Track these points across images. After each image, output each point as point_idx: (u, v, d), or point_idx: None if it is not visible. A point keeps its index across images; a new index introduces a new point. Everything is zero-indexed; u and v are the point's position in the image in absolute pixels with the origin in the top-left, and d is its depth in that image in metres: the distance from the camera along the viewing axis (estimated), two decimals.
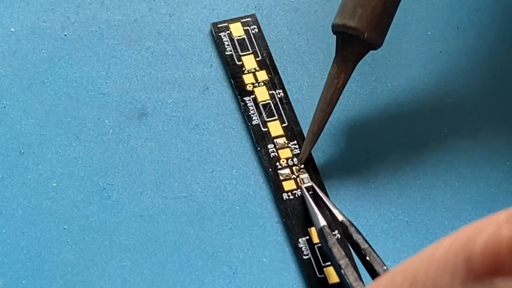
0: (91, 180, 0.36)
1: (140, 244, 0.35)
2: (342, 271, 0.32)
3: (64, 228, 0.35)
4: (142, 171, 0.37)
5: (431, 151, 0.37)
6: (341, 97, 0.36)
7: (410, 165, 0.37)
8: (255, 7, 0.41)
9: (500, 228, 0.19)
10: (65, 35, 0.40)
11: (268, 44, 0.40)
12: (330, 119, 0.36)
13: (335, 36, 0.36)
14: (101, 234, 0.35)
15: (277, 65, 0.39)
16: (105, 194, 0.36)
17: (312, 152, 0.37)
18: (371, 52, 0.36)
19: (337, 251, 0.32)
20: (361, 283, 0.32)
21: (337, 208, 0.34)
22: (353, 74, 0.36)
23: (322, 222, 0.34)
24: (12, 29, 0.40)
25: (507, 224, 0.19)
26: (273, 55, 0.39)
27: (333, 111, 0.36)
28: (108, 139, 0.37)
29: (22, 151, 0.37)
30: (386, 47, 0.40)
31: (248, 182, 0.36)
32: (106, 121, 0.38)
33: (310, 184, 0.36)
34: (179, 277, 0.34)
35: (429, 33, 0.41)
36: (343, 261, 0.32)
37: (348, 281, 0.32)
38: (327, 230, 0.33)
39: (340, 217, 0.34)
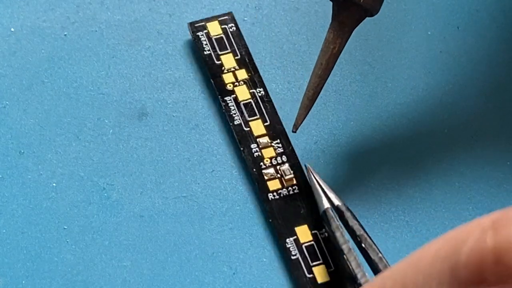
0: (91, 180, 0.36)
1: (140, 244, 0.35)
2: (344, 256, 0.32)
3: (64, 228, 0.35)
4: (142, 171, 0.36)
5: (431, 151, 0.37)
6: (341, 96, 0.36)
7: (410, 165, 0.37)
8: (255, 7, 0.41)
9: (485, 235, 0.19)
10: (65, 35, 0.40)
11: (247, 42, 0.39)
12: (330, 118, 0.36)
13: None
14: (101, 234, 0.35)
15: (256, 63, 0.39)
16: (105, 194, 0.36)
17: (308, 151, 0.37)
18: (371, 52, 0.36)
19: (340, 235, 0.32)
20: (363, 269, 0.31)
21: (333, 192, 0.34)
22: (353, 74, 0.35)
23: (326, 204, 0.34)
24: (12, 29, 0.40)
25: (491, 230, 0.19)
26: (251, 53, 0.39)
27: (333, 111, 0.36)
28: (108, 139, 0.37)
29: (22, 151, 0.37)
30: (386, 47, 0.40)
31: (248, 182, 0.36)
32: (106, 121, 0.38)
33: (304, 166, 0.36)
34: (179, 277, 0.34)
35: (429, 33, 0.41)
36: (346, 246, 0.32)
37: (350, 267, 0.31)
38: (330, 213, 0.33)
39: (336, 202, 0.34)
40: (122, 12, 0.41)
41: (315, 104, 0.36)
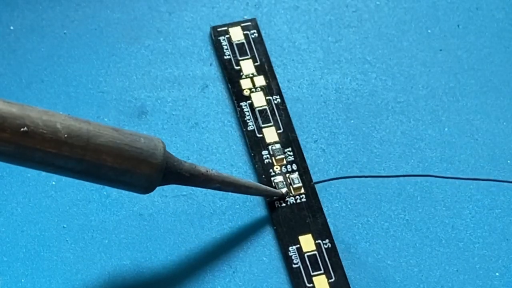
0: None
1: (140, 243, 0.35)
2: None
3: (64, 227, 0.35)
4: None
5: (431, 150, 0.37)
6: (341, 96, 0.36)
7: (410, 164, 0.37)
8: (255, 5, 0.41)
9: None
10: (65, 33, 0.40)
11: (267, 49, 0.40)
12: (330, 117, 0.36)
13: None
14: (100, 232, 0.35)
15: (275, 70, 0.39)
16: (105, 193, 0.36)
17: (309, 150, 0.37)
18: (371, 50, 0.36)
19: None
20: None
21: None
22: (353, 72, 0.35)
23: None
24: (12, 27, 0.40)
25: None
26: (271, 60, 0.39)
27: (333, 109, 0.36)
28: None
29: None
30: (386, 45, 0.40)
31: (248, 180, 0.36)
32: (106, 119, 0.38)
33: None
34: (178, 276, 0.34)
35: (429, 31, 0.41)
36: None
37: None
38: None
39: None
40: (122, 10, 0.41)
41: (315, 103, 0.36)
